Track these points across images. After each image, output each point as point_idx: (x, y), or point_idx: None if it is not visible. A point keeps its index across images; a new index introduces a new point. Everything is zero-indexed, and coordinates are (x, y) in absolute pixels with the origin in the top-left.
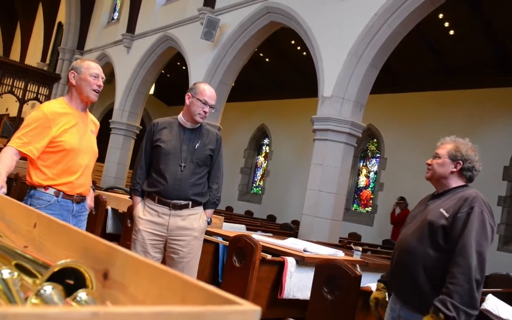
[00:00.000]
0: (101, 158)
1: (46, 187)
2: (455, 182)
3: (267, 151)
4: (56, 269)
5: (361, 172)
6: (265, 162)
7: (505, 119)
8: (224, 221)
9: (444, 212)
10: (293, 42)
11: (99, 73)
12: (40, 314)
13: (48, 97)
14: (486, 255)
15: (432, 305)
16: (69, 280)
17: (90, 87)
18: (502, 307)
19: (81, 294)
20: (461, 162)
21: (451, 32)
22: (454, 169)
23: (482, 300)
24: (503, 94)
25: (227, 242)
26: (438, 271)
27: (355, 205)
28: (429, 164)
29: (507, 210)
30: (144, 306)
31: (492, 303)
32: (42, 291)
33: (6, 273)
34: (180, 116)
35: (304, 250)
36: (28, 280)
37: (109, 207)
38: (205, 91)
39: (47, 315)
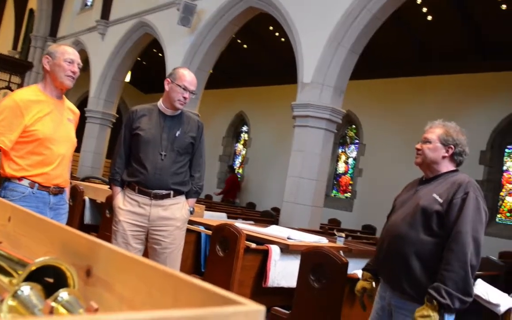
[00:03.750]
0: (76, 147)
1: (20, 178)
2: (446, 167)
3: (246, 138)
4: (33, 268)
5: (340, 158)
6: (244, 150)
7: (482, 104)
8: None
9: (437, 197)
10: (271, 28)
11: (74, 59)
12: None
13: (20, 86)
14: (481, 240)
15: (427, 293)
16: (49, 279)
17: (64, 73)
18: (491, 292)
19: (63, 294)
20: (452, 146)
21: (429, 18)
22: (446, 154)
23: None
24: (480, 79)
25: (210, 232)
26: (431, 258)
27: (334, 191)
28: (418, 149)
29: (484, 194)
30: (139, 312)
31: (482, 288)
32: (19, 292)
33: None
34: (160, 103)
35: (288, 238)
36: (4, 279)
37: (86, 198)
38: (185, 76)
39: None
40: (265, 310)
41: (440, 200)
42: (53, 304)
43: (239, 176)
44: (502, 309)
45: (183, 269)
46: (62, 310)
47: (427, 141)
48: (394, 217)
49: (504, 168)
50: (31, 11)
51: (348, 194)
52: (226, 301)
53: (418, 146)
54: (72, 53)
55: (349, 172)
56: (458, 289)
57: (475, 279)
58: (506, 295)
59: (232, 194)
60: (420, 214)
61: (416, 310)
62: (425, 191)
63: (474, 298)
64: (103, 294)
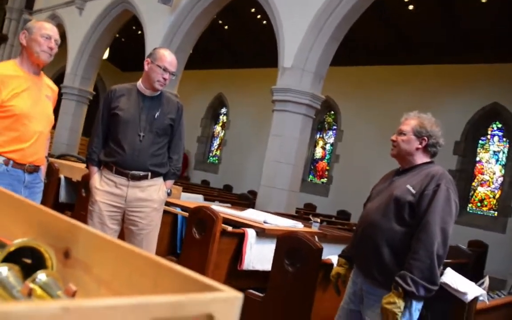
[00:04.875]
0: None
1: None
2: (420, 158)
3: (224, 120)
4: (12, 249)
5: (318, 144)
6: (222, 132)
7: (458, 95)
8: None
9: (411, 188)
10: (253, 10)
11: (51, 35)
12: (3, 313)
13: None
14: (450, 231)
15: (394, 280)
16: (26, 259)
17: (40, 48)
18: (460, 281)
19: (41, 276)
20: (426, 138)
21: (410, 7)
22: (420, 146)
23: (441, 273)
24: (458, 71)
25: (187, 213)
26: (401, 246)
27: (311, 176)
28: (394, 141)
29: (456, 183)
30: (119, 297)
31: (450, 277)
32: None
33: None
34: (139, 83)
35: (264, 222)
36: None
37: (62, 176)
38: (165, 57)
39: (12, 314)
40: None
41: (413, 191)
42: (32, 285)
43: (216, 158)
44: (469, 297)
45: (158, 250)
46: (40, 291)
47: (401, 133)
48: (369, 205)
49: (477, 159)
50: None
51: (325, 180)
52: (205, 287)
53: (394, 137)
54: (49, 29)
55: (326, 157)
56: (423, 277)
57: (444, 268)
58: (473, 283)
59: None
60: (393, 203)
61: (383, 297)
62: (400, 182)
63: (443, 286)
64: (81, 276)
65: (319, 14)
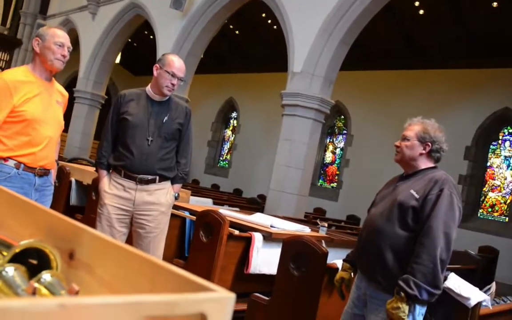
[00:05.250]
0: (64, 128)
1: (5, 159)
2: (424, 163)
3: (235, 124)
4: (18, 250)
5: (328, 148)
6: (232, 136)
7: (468, 100)
8: (191, 195)
9: (414, 193)
10: (263, 15)
11: (64, 42)
12: (2, 308)
13: (8, 63)
14: (453, 236)
15: (397, 284)
16: (33, 260)
17: (54, 56)
18: (463, 286)
19: (45, 276)
20: (429, 143)
21: (421, 12)
22: (423, 151)
23: (445, 278)
24: (468, 75)
25: (194, 217)
26: (405, 251)
27: (320, 181)
28: (397, 146)
29: (467, 189)
30: (114, 296)
31: (454, 282)
32: (4, 273)
33: None
34: (148, 88)
35: (271, 226)
36: None
37: (73, 179)
38: (174, 62)
39: (10, 309)
40: (236, 296)
41: (417, 196)
42: (36, 285)
43: (226, 162)
44: (472, 302)
45: (167, 253)
46: (44, 291)
47: (405, 138)
48: (373, 210)
49: (488, 164)
50: None
51: (334, 184)
52: (200, 288)
53: (397, 143)
54: (62, 37)
55: (336, 162)
56: (426, 281)
57: (450, 273)
58: (477, 289)
59: None
60: (397, 208)
61: (387, 302)
62: (403, 187)
63: (447, 291)
64: (84, 277)
65: (329, 19)
